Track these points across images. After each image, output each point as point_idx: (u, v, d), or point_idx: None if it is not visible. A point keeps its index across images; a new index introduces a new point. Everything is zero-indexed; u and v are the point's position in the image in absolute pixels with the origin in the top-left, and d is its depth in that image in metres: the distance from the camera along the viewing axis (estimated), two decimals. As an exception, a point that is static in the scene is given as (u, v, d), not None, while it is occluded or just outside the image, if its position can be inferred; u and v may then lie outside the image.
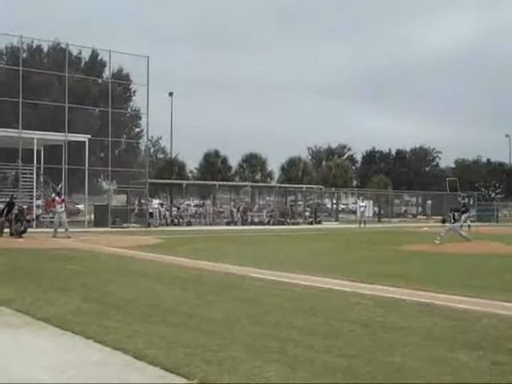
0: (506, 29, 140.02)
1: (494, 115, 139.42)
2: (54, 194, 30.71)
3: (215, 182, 50.58)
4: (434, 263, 18.27)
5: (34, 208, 36.67)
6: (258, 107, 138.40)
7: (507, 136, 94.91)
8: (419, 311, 9.37)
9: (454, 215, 25.77)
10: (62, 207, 28.85)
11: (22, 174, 38.06)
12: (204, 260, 17.03)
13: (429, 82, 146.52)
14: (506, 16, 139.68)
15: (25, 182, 38.06)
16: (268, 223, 48.03)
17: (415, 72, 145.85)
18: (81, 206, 46.30)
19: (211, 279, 13.21)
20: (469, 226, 39.73)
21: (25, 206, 30.46)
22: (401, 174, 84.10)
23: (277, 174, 67.51)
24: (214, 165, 63.66)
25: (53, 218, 31.95)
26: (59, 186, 34.69)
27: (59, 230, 28.25)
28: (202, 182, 55.11)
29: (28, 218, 29.11)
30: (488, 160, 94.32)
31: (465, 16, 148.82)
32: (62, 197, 30.20)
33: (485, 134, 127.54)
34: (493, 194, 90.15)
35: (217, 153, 64.96)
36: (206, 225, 45.14)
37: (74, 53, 58.12)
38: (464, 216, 40.68)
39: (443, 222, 25.65)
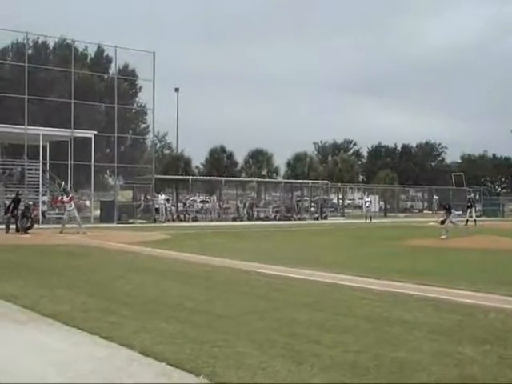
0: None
1: (499, 110, 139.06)
2: (61, 196, 30.52)
3: (221, 178, 50.59)
4: (440, 258, 18.24)
5: (40, 204, 36.72)
6: (264, 103, 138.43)
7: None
8: (425, 306, 9.35)
9: (445, 207, 25.99)
10: (71, 206, 28.87)
11: (28, 170, 38.13)
12: (210, 256, 17.03)
13: (434, 78, 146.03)
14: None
15: (31, 178, 38.11)
16: (274, 219, 48.01)
17: (421, 68, 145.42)
18: (87, 202, 46.35)
19: (217, 275, 13.21)
20: (475, 220, 39.77)
21: (30, 203, 30.51)
22: (407, 169, 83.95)
23: (283, 170, 67.47)
24: (219, 160, 63.64)
25: (58, 213, 32.09)
26: (63, 183, 34.70)
27: (71, 225, 28.25)
28: (208, 177, 55.10)
29: (34, 213, 29.18)
30: (494, 155, 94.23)
31: (471, 13, 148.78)
32: (70, 195, 30.22)
33: (491, 129, 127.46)
34: (498, 189, 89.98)
35: (223, 148, 64.93)
36: (211, 220, 45.17)
37: (80, 49, 58.20)
38: (469, 211, 40.85)
39: (442, 222, 25.69)
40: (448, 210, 26.06)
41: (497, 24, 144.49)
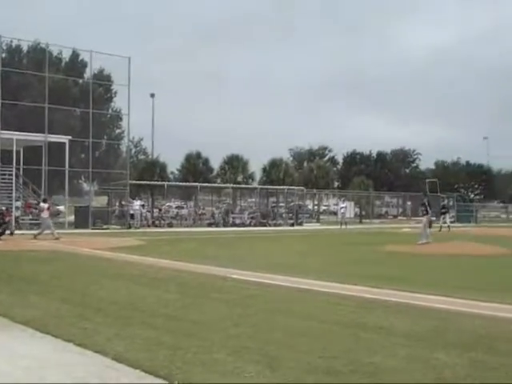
0: (487, 33, 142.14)
1: (472, 118, 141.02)
2: (44, 203, 29.98)
3: (197, 184, 50.44)
4: (416, 264, 18.35)
5: (14, 210, 36.33)
6: (240, 108, 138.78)
7: (485, 138, 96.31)
8: (400, 311, 9.38)
9: (424, 203, 26.11)
10: (46, 213, 28.66)
11: (1, 175, 37.69)
12: (185, 261, 16.96)
13: (409, 85, 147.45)
14: (484, 22, 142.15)
15: (4, 183, 37.68)
16: (249, 225, 47.99)
17: (396, 75, 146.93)
18: (61, 208, 46.00)
19: (193, 281, 13.16)
20: (448, 226, 40.16)
21: (3, 208, 30.19)
22: (381, 176, 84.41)
23: (258, 176, 67.47)
24: (195, 166, 63.46)
25: (33, 220, 31.86)
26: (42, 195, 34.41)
27: (47, 231, 27.96)
28: (184, 183, 54.96)
29: (7, 219, 28.90)
30: (467, 162, 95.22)
31: (447, 21, 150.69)
32: (48, 204, 29.90)
33: (464, 136, 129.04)
34: (472, 195, 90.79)
35: (198, 154, 64.78)
36: (187, 226, 45.03)
37: (55, 53, 57.81)
38: (442, 217, 41.34)
39: (430, 225, 25.73)
40: (426, 208, 25.90)
41: (471, 32, 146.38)
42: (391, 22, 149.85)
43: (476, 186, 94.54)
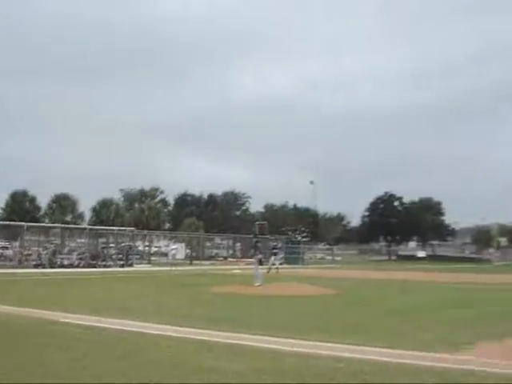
0: (315, 83, 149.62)
1: (300, 162, 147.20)
2: None
3: (23, 223, 48.50)
4: (246, 305, 18.68)
5: None
6: (70, 145, 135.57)
7: (312, 183, 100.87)
8: (230, 352, 9.58)
9: (255, 246, 26.83)
10: None
11: None
12: (9, 305, 16.24)
13: (242, 128, 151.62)
14: (316, 72, 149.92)
15: None
16: (78, 266, 46.74)
17: (230, 117, 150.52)
18: None
19: (15, 325, 12.64)
20: (277, 268, 41.38)
21: None
22: (212, 218, 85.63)
23: (88, 216, 66.18)
24: (21, 204, 61.18)
25: None
26: None
27: None
28: (9, 222, 52.69)
29: None
30: (295, 205, 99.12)
31: (281, 68, 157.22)
32: None
33: (292, 181, 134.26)
34: (299, 238, 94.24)
35: (25, 192, 62.58)
36: (11, 268, 43.04)
37: None
38: (272, 258, 42.66)
39: (260, 263, 26.38)
40: (256, 249, 26.45)
41: (301, 80, 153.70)
42: (227, 67, 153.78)
43: (303, 229, 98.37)
